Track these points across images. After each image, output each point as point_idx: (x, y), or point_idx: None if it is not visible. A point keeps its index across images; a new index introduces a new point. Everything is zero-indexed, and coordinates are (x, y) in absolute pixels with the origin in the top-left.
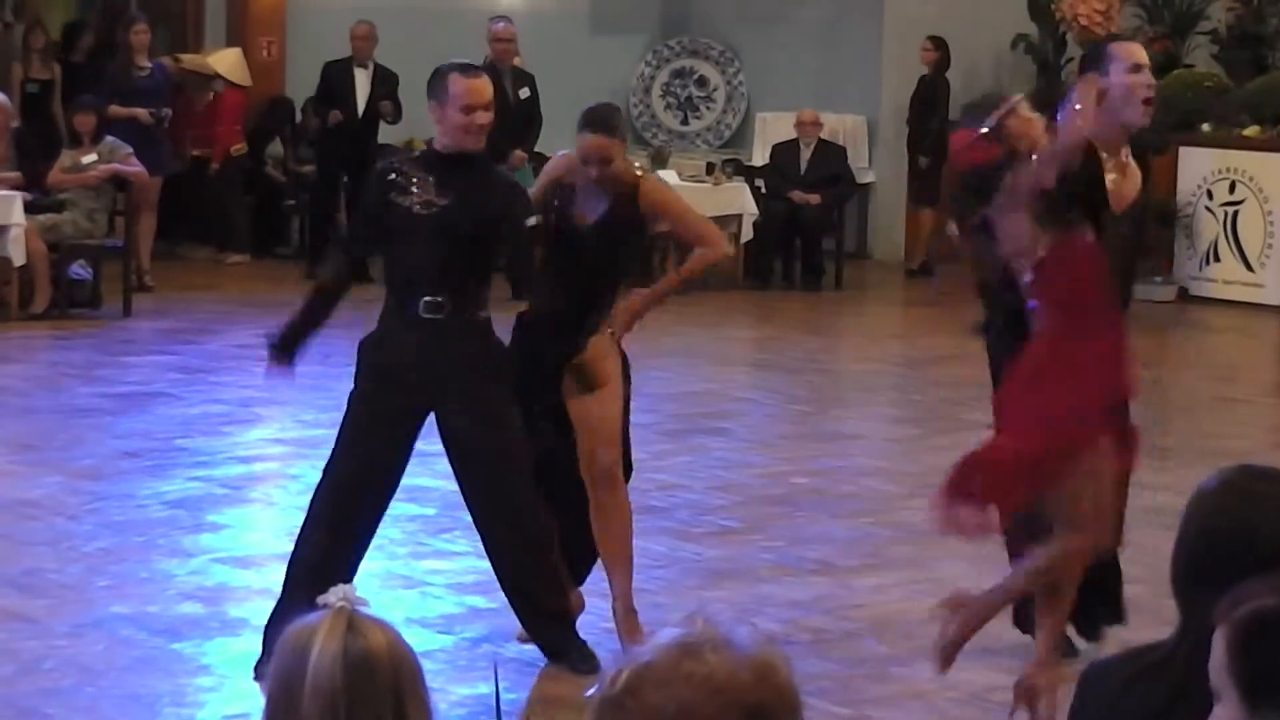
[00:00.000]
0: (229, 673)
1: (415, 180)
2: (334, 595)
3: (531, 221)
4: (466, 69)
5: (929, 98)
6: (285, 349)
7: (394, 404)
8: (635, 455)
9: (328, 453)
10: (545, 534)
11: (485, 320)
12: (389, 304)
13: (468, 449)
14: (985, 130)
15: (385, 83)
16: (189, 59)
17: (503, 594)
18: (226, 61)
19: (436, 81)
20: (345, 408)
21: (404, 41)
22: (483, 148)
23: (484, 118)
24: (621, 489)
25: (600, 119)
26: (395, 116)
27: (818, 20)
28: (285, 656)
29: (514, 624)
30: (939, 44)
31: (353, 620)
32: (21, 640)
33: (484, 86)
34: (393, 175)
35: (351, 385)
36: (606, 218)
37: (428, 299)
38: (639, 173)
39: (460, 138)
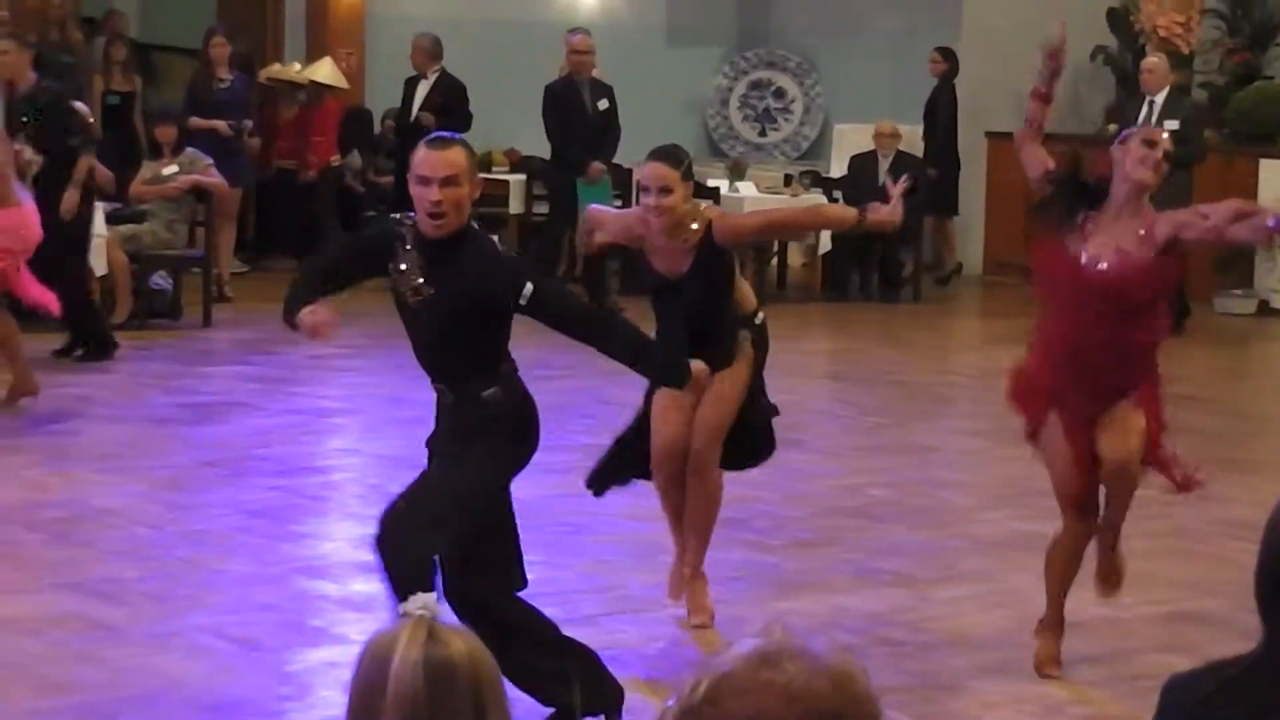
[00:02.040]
0: (308, 681)
1: (410, 259)
2: (414, 604)
3: (528, 291)
4: (434, 140)
5: (933, 109)
6: (300, 308)
7: None
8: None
9: (414, 464)
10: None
11: (493, 394)
12: None
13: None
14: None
15: (446, 94)
16: (278, 70)
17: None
18: (323, 70)
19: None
20: None
21: (482, 53)
22: (442, 234)
23: (437, 194)
24: (710, 478)
25: (667, 151)
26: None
27: (894, 31)
28: (366, 665)
29: (594, 636)
30: (947, 55)
31: (433, 628)
32: (103, 649)
33: (443, 159)
34: (397, 243)
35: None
36: (695, 268)
37: (436, 386)
38: (705, 213)
39: (421, 218)
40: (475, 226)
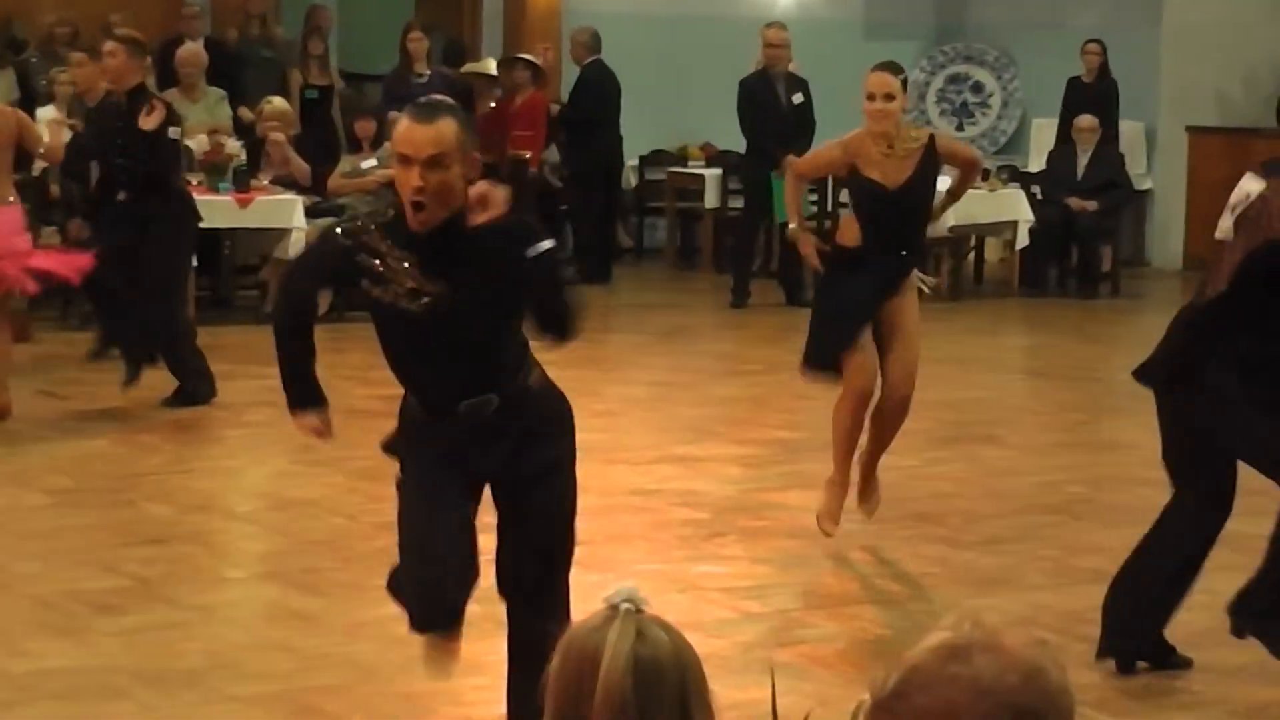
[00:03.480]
0: (501, 671)
1: (392, 261)
2: (618, 596)
3: (544, 246)
4: (421, 108)
5: (1102, 101)
6: (305, 402)
7: None
8: (906, 461)
9: (605, 458)
10: None
11: (540, 378)
12: None
13: None
14: None
15: (580, 86)
16: (471, 65)
17: (765, 599)
18: (486, 63)
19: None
20: None
21: (677, 48)
22: (426, 228)
23: (419, 179)
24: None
25: (888, 63)
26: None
27: (1093, 27)
28: (572, 661)
29: (787, 630)
30: (1104, 48)
31: (641, 625)
32: (300, 638)
33: (426, 134)
34: (361, 256)
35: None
36: (919, 174)
37: (446, 410)
38: (923, 130)
39: (405, 206)
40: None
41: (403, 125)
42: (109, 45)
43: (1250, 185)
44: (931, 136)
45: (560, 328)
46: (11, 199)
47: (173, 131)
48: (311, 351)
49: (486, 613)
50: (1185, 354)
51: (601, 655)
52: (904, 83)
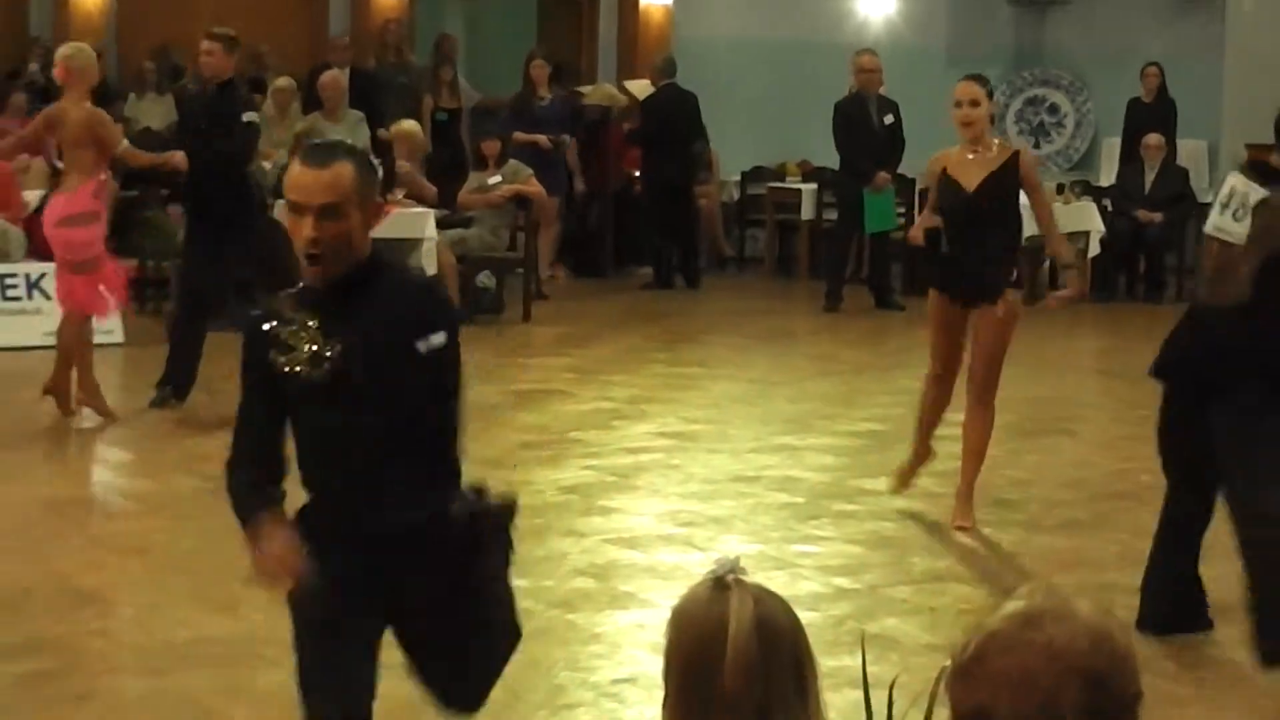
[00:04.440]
0: (618, 641)
1: (290, 328)
2: (724, 567)
3: (438, 339)
4: (314, 150)
5: (1162, 119)
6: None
7: None
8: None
9: (710, 448)
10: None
11: (461, 505)
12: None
13: None
14: None
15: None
16: (592, 90)
17: (856, 575)
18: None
19: None
20: None
21: (779, 71)
22: (324, 282)
23: (312, 230)
24: (990, 404)
25: (976, 75)
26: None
27: (1160, 54)
28: (692, 634)
29: (877, 604)
30: (1162, 70)
31: (756, 592)
32: None
33: (319, 180)
34: (269, 325)
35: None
36: (991, 178)
37: (355, 511)
38: (1013, 144)
39: (299, 259)
40: (383, 260)
41: (294, 170)
42: (206, 44)
43: (1237, 184)
44: (1017, 152)
45: (438, 440)
46: (88, 195)
47: (248, 115)
48: (278, 487)
49: (602, 588)
50: (1200, 352)
51: (726, 623)
52: (989, 93)
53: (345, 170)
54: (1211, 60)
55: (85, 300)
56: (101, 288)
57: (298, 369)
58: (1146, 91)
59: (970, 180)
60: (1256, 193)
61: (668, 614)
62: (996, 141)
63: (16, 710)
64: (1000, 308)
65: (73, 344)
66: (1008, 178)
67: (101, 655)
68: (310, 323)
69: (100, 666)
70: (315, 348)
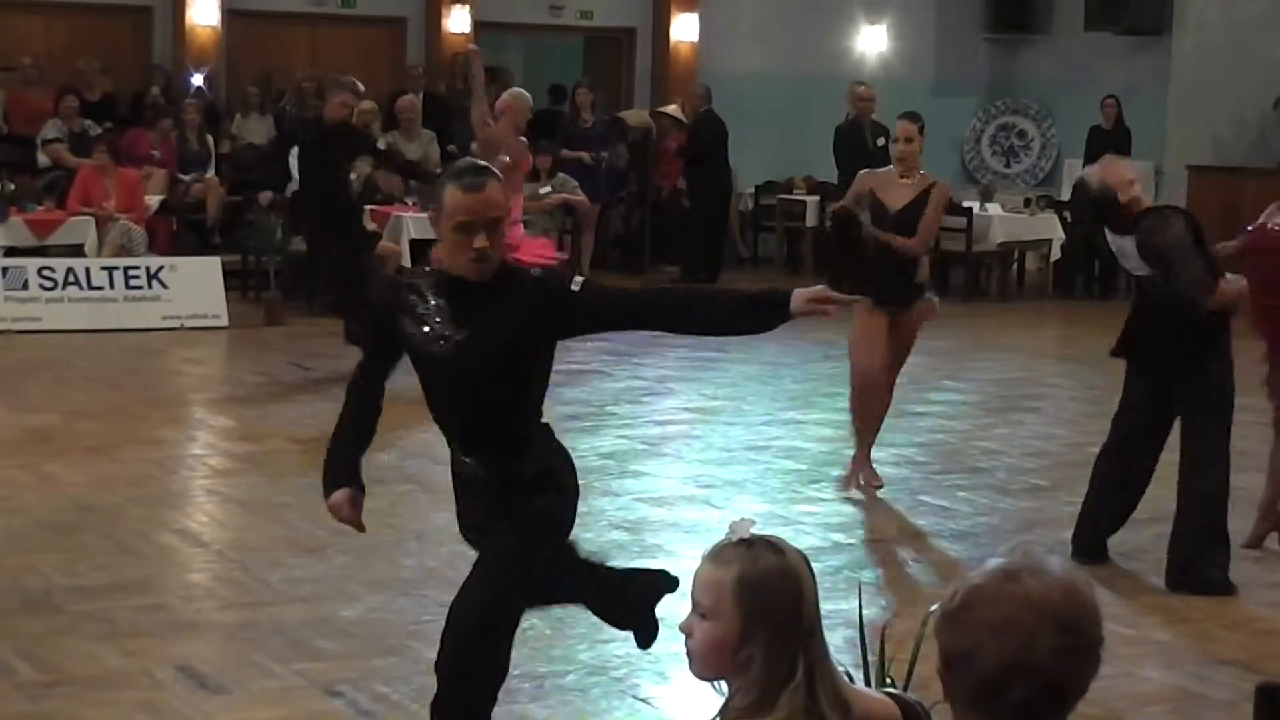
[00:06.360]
0: None
1: (428, 305)
2: (744, 528)
3: (579, 280)
4: (468, 178)
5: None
6: (342, 484)
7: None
8: (962, 426)
9: (727, 421)
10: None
11: (533, 473)
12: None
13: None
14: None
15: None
16: (630, 114)
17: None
18: (671, 110)
19: (438, 187)
20: None
21: (789, 99)
22: (487, 276)
23: (484, 240)
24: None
25: (911, 114)
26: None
27: (1114, 87)
28: (767, 579)
29: (869, 556)
30: (1119, 102)
31: (778, 541)
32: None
33: (486, 203)
34: (405, 291)
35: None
36: (913, 203)
37: (463, 459)
38: (935, 179)
39: (460, 264)
40: (508, 266)
41: (457, 197)
42: (346, 98)
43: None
44: (935, 183)
45: (679, 306)
46: None
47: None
48: (368, 437)
49: (633, 540)
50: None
51: (788, 569)
52: (920, 129)
53: (495, 186)
54: (1157, 92)
55: None
56: None
57: (423, 338)
58: (1106, 120)
59: (896, 202)
60: (1115, 240)
61: (695, 563)
62: (922, 173)
63: (136, 635)
64: (914, 311)
65: None
66: (924, 202)
67: (208, 590)
68: (445, 309)
69: (207, 600)
70: (441, 327)
